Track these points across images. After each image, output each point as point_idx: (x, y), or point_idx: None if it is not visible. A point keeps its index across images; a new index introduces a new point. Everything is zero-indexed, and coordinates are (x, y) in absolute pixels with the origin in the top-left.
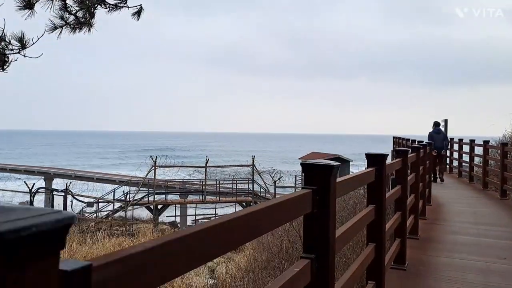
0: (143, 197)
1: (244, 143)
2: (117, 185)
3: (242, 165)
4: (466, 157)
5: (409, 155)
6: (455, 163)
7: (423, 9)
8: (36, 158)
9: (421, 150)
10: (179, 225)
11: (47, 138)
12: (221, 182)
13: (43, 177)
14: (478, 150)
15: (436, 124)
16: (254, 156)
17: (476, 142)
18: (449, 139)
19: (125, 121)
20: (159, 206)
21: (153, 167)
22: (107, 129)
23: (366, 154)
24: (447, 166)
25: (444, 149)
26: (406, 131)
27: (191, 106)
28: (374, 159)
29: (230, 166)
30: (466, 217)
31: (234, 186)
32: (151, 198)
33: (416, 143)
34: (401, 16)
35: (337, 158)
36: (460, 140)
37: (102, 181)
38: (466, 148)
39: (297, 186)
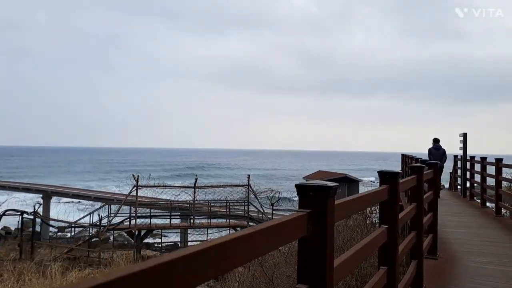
0: (122, 221)
1: (259, 160)
2: (101, 203)
3: (236, 185)
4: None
5: (424, 172)
6: (463, 182)
7: (437, 27)
8: (54, 176)
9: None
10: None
11: (74, 155)
12: (213, 204)
13: (41, 195)
14: (491, 169)
15: (436, 141)
16: (249, 176)
17: (488, 160)
18: (446, 156)
19: (147, 138)
20: (143, 231)
21: (135, 187)
22: (145, 146)
23: (378, 172)
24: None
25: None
26: (423, 149)
27: (213, 123)
28: (387, 177)
29: (222, 186)
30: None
31: (230, 209)
32: (133, 222)
33: (417, 161)
34: (415, 34)
35: (344, 177)
36: (472, 157)
37: (78, 197)
38: (477, 167)
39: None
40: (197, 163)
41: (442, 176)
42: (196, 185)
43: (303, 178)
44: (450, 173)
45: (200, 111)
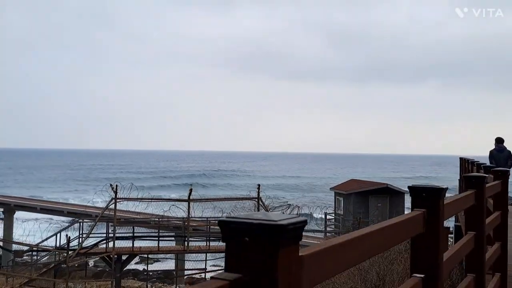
0: (97, 243)
1: (275, 165)
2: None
3: (242, 198)
4: None
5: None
6: None
7: None
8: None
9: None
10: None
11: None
12: (213, 222)
13: (1, 209)
14: None
15: (499, 141)
16: (259, 186)
17: None
18: None
19: (139, 138)
20: (124, 256)
21: (113, 200)
22: (131, 148)
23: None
24: None
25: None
26: (484, 151)
27: (219, 120)
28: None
29: (224, 199)
30: None
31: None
32: (111, 244)
33: (479, 168)
34: (477, 3)
35: (385, 188)
36: None
37: (48, 212)
38: None
39: (328, 229)
40: (198, 169)
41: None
42: (190, 197)
43: (331, 189)
44: None
45: (203, 105)
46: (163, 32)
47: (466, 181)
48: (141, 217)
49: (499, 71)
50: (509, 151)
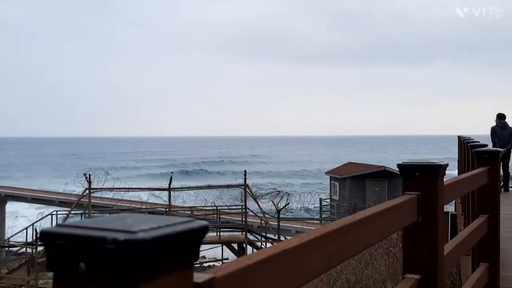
0: None
1: (273, 150)
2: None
3: (228, 186)
4: None
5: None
6: None
7: None
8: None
9: None
10: None
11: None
12: (197, 211)
13: None
14: None
15: (501, 117)
16: (246, 171)
17: None
18: None
19: (140, 125)
20: None
21: (87, 191)
22: (138, 134)
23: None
24: None
25: (510, 147)
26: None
27: (220, 105)
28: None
29: (207, 187)
30: None
31: (220, 218)
32: None
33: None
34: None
35: (383, 171)
36: None
37: (39, 201)
38: None
39: (323, 217)
40: (193, 157)
41: None
42: (171, 186)
43: (326, 173)
44: None
45: (206, 90)
46: (165, 17)
47: (477, 157)
48: (121, 204)
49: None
50: None
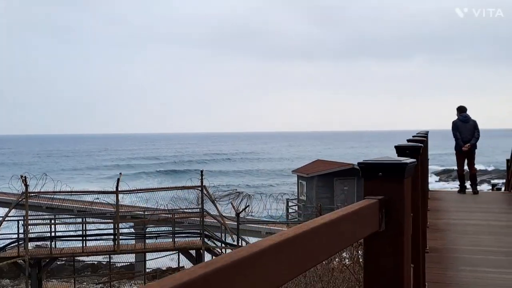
0: (5, 246)
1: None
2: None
3: (183, 187)
4: None
5: None
6: None
7: None
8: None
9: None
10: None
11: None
12: (149, 215)
13: None
14: None
15: (462, 110)
16: (202, 171)
17: None
18: (479, 130)
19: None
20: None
21: (24, 195)
22: (121, 132)
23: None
24: None
25: (474, 142)
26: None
27: (199, 102)
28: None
29: (161, 189)
30: None
31: (175, 222)
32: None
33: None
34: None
35: (351, 169)
36: None
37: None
38: None
39: (290, 219)
40: (159, 152)
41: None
42: (118, 188)
43: (293, 172)
44: (508, 161)
45: (185, 86)
46: (143, 13)
47: (399, 153)
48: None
49: (481, 43)
50: (475, 121)
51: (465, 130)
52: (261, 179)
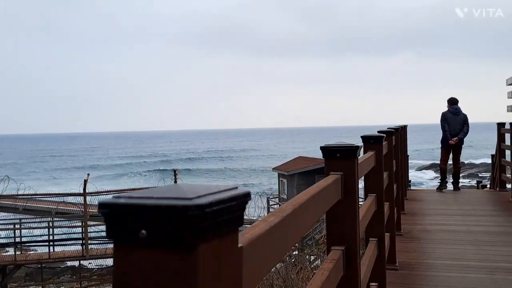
0: None
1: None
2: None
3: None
4: None
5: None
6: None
7: None
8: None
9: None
10: None
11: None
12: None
13: None
14: None
15: (453, 101)
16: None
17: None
18: (469, 125)
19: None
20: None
21: None
22: (105, 130)
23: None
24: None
25: (462, 137)
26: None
27: (188, 98)
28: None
29: (132, 190)
30: None
31: None
32: None
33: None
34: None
35: None
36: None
37: None
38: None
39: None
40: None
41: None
42: (86, 190)
43: (273, 169)
44: (493, 156)
45: (170, 85)
46: (130, 10)
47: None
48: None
49: (477, 39)
50: (465, 115)
51: (454, 122)
52: (241, 178)
